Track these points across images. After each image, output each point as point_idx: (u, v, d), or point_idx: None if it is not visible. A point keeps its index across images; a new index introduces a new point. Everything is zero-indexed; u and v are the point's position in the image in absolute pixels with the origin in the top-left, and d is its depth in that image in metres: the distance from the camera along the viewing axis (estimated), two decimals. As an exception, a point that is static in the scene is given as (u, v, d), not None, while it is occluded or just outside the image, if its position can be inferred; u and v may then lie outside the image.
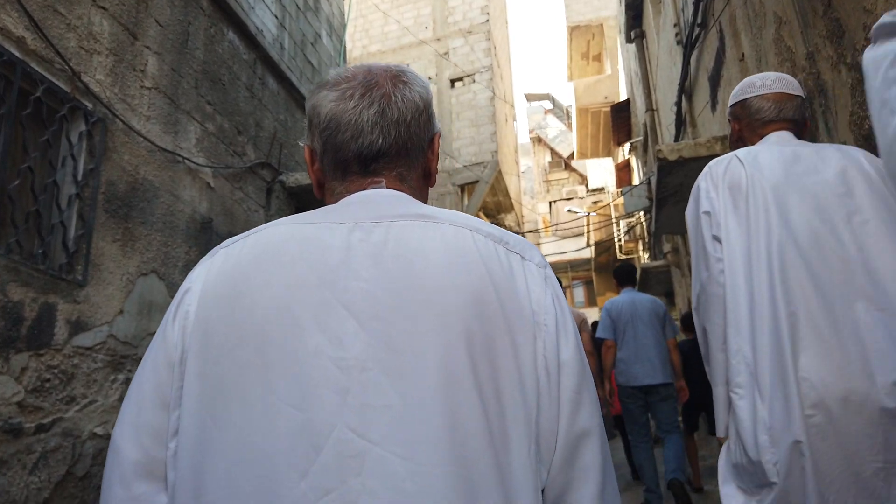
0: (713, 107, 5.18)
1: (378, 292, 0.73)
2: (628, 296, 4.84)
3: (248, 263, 0.78)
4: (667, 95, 8.22)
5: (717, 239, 1.59)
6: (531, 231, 21.73)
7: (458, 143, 15.79)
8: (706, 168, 1.70)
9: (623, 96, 16.97)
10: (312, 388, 0.70)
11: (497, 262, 0.78)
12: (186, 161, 4.54)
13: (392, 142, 0.86)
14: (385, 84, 0.87)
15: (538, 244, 27.48)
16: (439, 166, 15.79)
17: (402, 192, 0.87)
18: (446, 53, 16.48)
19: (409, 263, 0.75)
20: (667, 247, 9.03)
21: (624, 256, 18.13)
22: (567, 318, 0.80)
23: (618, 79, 19.73)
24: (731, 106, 1.87)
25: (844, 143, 2.64)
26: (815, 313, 1.41)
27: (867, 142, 2.40)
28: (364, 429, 0.68)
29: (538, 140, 31.32)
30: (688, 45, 5.70)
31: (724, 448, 1.61)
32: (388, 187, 0.87)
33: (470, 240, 0.78)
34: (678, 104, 6.47)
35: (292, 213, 6.13)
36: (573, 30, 21.77)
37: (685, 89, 6.35)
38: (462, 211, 15.64)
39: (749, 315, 1.50)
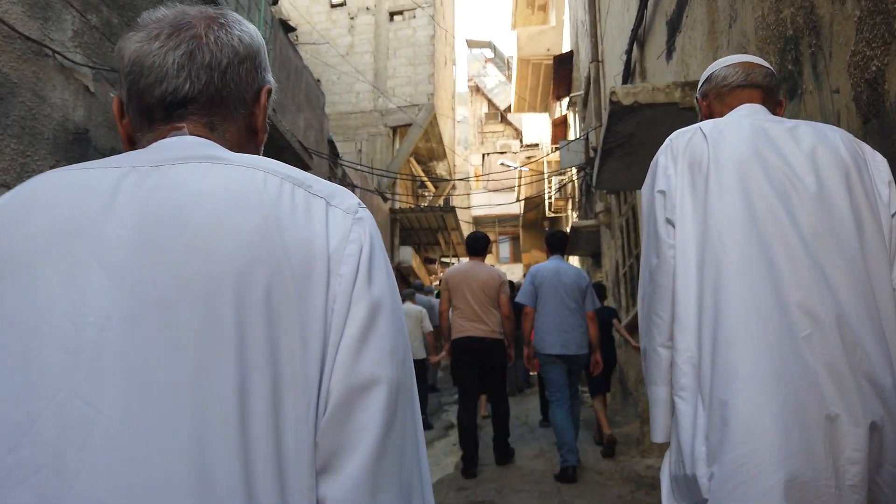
0: (669, 54, 4.78)
1: (138, 242, 0.66)
2: (554, 264, 4.82)
3: (3, 215, 0.70)
4: (615, 46, 7.82)
5: (670, 222, 1.45)
6: (461, 179, 21.26)
7: (393, 83, 15.00)
8: (667, 141, 1.54)
9: (566, 49, 16.53)
10: (38, 349, 0.62)
11: (290, 205, 0.69)
12: (58, 56, 3.75)
13: (202, 87, 0.78)
14: (198, 25, 0.80)
15: (468, 195, 27.16)
16: (372, 104, 14.99)
17: (213, 141, 0.78)
18: (387, -17, 15.47)
19: (178, 208, 0.67)
20: (599, 206, 8.78)
21: (553, 214, 18.00)
22: (377, 268, 0.71)
23: (562, 31, 19.22)
24: (701, 84, 1.73)
25: (837, 90, 2.27)
26: (756, 313, 1.30)
27: (870, 87, 2.03)
28: (94, 396, 0.60)
29: (476, 89, 30.64)
30: (646, -13, 5.25)
31: (665, 457, 1.50)
32: (192, 134, 0.78)
33: (260, 182, 0.70)
34: (629, 52, 6.05)
35: None
36: (521, -25, 20.99)
37: (638, 36, 5.93)
38: (393, 155, 15.02)
39: (697, 311, 1.38)
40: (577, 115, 13.82)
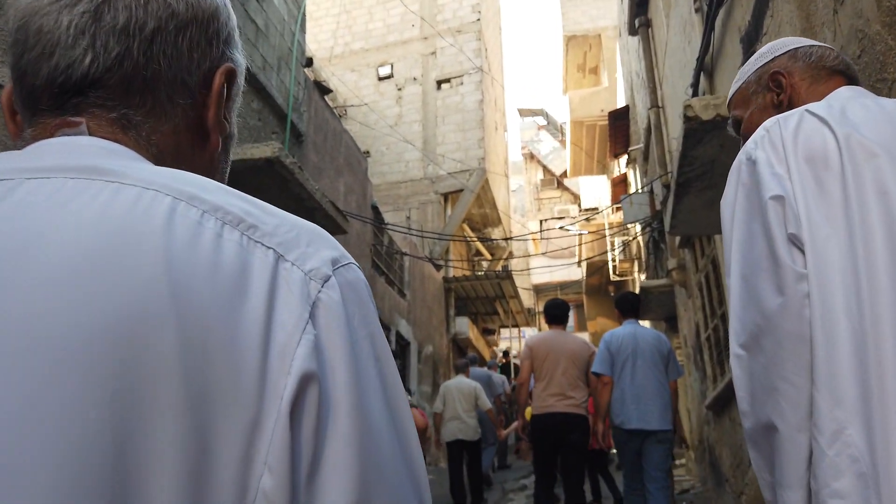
0: (748, 73, 4.03)
1: None
2: (630, 328, 4.50)
3: None
4: (676, 87, 7.12)
5: (795, 242, 1.02)
6: (517, 238, 20.49)
7: (443, 149, 14.66)
8: (760, 130, 1.14)
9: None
10: None
11: (206, 262, 0.42)
12: None
13: (111, 63, 0.52)
14: None
15: (527, 262, 26.38)
16: (422, 172, 14.64)
17: (123, 146, 0.52)
18: (433, 53, 15.41)
19: (18, 253, 0.41)
20: (671, 262, 7.88)
21: (618, 278, 16.96)
22: (359, 388, 0.43)
23: (615, 91, 18.77)
24: (765, 64, 1.32)
25: None
26: None
27: None
28: None
29: (530, 156, 30.34)
30: (712, 6, 4.58)
31: None
32: (94, 134, 0.52)
33: (162, 216, 0.43)
34: (695, 84, 5.33)
35: None
36: (570, 40, 20.81)
37: (704, 65, 5.22)
38: (444, 223, 14.54)
39: (859, 373, 0.94)
40: (637, 171, 13.06)
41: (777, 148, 1.09)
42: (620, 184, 15.92)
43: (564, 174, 29.29)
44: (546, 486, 4.74)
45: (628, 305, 4.73)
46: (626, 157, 14.96)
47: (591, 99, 20.00)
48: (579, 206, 26.89)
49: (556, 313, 4.78)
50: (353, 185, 8.25)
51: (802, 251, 1.02)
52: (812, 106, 1.12)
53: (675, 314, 9.10)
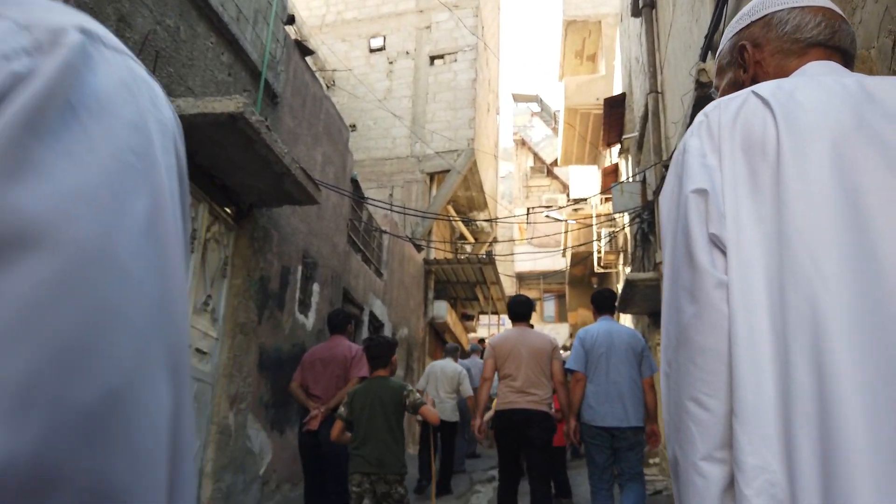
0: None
1: None
2: (605, 325, 4.53)
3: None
4: (678, 71, 6.74)
5: (717, 243, 0.90)
6: (503, 220, 20.12)
7: (433, 127, 14.18)
8: (699, 115, 1.01)
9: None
10: None
11: None
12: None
13: None
14: None
15: (512, 252, 26.01)
16: (409, 150, 14.16)
17: None
18: (428, 27, 14.87)
19: None
20: (660, 255, 7.54)
21: (602, 269, 16.67)
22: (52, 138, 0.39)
23: (612, 80, 18.34)
24: (741, 31, 1.14)
25: None
26: None
27: None
28: None
29: (521, 143, 29.90)
30: (727, -24, 4.17)
31: None
32: None
33: None
34: (702, 59, 4.94)
35: None
36: (569, 24, 20.33)
37: (713, 44, 4.82)
38: (429, 204, 14.13)
39: (780, 396, 0.82)
40: (629, 162, 12.70)
41: (713, 135, 0.96)
42: (611, 174, 15.57)
43: (555, 163, 28.90)
44: (510, 485, 4.63)
45: (605, 302, 4.71)
46: (619, 146, 14.61)
47: (587, 86, 19.56)
48: (568, 195, 26.56)
49: (519, 311, 4.75)
50: (332, 156, 7.80)
51: (725, 253, 0.89)
52: (760, 86, 0.98)
53: (660, 309, 8.78)
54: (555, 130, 29.13)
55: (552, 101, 32.08)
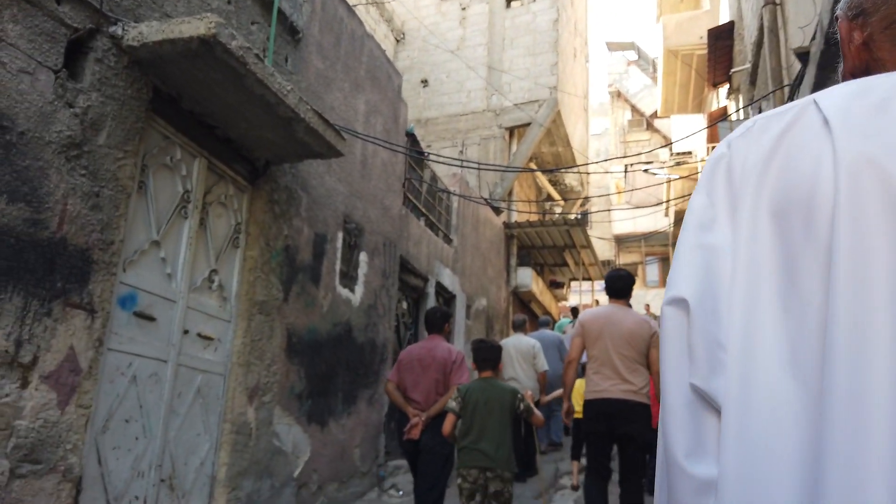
0: None
1: None
2: None
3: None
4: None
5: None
6: (600, 196, 18.53)
7: (510, 77, 12.87)
8: (721, 144, 0.73)
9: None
10: None
11: None
12: None
13: None
14: None
15: (608, 209, 24.28)
16: (485, 103, 12.90)
17: None
18: (503, -34, 13.45)
19: None
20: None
21: (710, 228, 14.84)
22: None
23: (717, 15, 16.18)
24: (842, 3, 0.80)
25: None
26: None
27: None
28: None
29: (617, 95, 27.73)
30: None
31: None
32: None
33: None
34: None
35: (135, 94, 3.48)
36: (667, -46, 18.14)
37: None
38: (508, 161, 12.89)
39: None
40: (740, 101, 10.87)
41: (732, 184, 0.66)
42: (719, 119, 13.66)
43: (655, 114, 26.61)
44: (599, 485, 4.09)
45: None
46: (726, 86, 12.71)
47: (688, 24, 17.43)
48: (670, 150, 24.37)
49: (618, 286, 4.27)
50: (379, 105, 6.78)
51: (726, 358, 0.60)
52: (832, 90, 0.63)
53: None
54: (654, 79, 26.76)
55: (650, 48, 29.45)
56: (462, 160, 9.70)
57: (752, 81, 9.15)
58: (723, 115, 13.63)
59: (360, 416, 6.10)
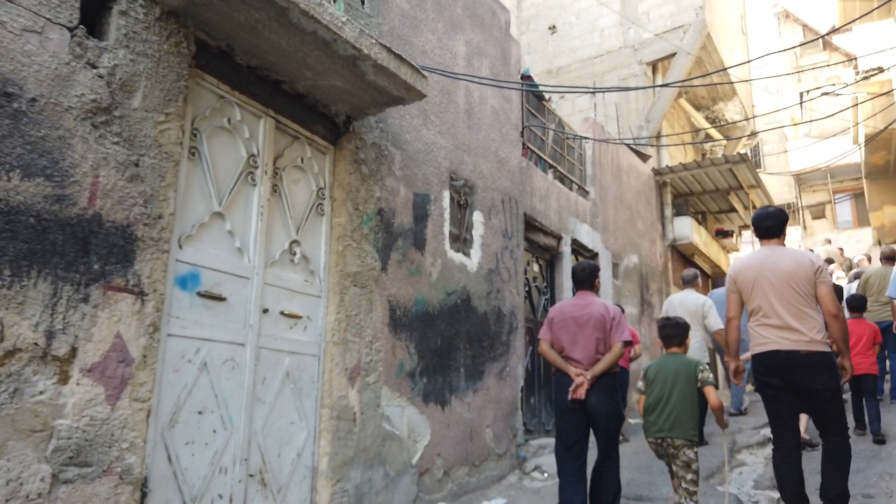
0: None
1: None
2: None
3: None
4: None
5: None
6: (770, 129, 16.27)
7: (647, 5, 11.44)
8: None
9: None
10: None
11: None
12: None
13: None
14: None
15: (784, 151, 21.47)
16: (621, 40, 11.58)
17: None
18: None
19: None
20: None
21: (915, 149, 12.31)
22: None
23: None
24: None
25: None
26: None
27: None
28: None
29: (785, 15, 24.31)
30: None
31: None
32: None
33: None
34: None
35: (172, 49, 3.09)
36: None
37: None
38: (654, 101, 11.48)
39: None
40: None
41: None
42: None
43: (833, 30, 22.97)
44: (788, 456, 3.54)
45: None
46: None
47: None
48: (855, 68, 20.88)
49: (766, 225, 3.80)
50: (484, 46, 6.03)
51: None
52: None
53: None
54: (829, -11, 23.02)
55: (821, -46, 25.41)
56: (594, 106, 8.67)
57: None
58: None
59: (490, 392, 5.48)
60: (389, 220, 4.57)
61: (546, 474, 5.65)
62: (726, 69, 8.13)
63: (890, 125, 12.62)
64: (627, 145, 9.71)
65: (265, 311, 3.64)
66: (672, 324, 4.28)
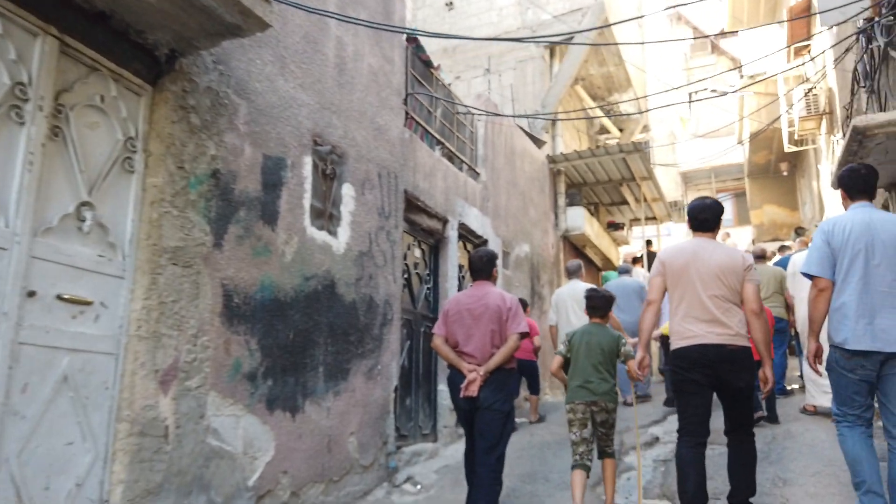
0: None
1: None
2: (863, 213, 3.38)
3: None
4: None
5: None
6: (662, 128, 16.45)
7: (547, -15, 11.00)
8: None
9: None
10: None
11: None
12: None
13: None
14: None
15: (672, 144, 22.06)
16: (519, 20, 11.03)
17: None
18: None
19: None
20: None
21: (794, 147, 12.68)
22: None
23: None
24: None
25: None
26: None
27: None
28: None
29: (677, 18, 25.02)
30: None
31: None
32: None
33: None
34: None
35: None
36: None
37: None
38: (551, 85, 11.12)
39: None
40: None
41: None
42: (804, 10, 11.40)
43: (721, 35, 23.88)
44: (695, 451, 3.49)
45: (860, 181, 3.49)
46: (812, -31, 10.46)
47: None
48: (740, 72, 21.78)
49: (703, 217, 3.75)
50: (361, -6, 5.23)
51: None
52: None
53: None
54: (717, -4, 23.89)
55: (711, -38, 26.41)
56: (489, 90, 8.08)
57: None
58: (807, 6, 11.36)
59: (356, 394, 4.72)
60: (228, 186, 3.69)
61: (419, 486, 4.97)
62: (619, 45, 7.74)
63: (773, 123, 12.94)
64: (522, 129, 9.21)
65: (31, 293, 2.69)
66: (599, 295, 4.39)
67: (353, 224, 4.88)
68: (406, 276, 5.92)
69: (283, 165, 4.16)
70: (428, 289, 6.38)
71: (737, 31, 20.17)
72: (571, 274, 6.94)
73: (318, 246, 4.46)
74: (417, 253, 6.26)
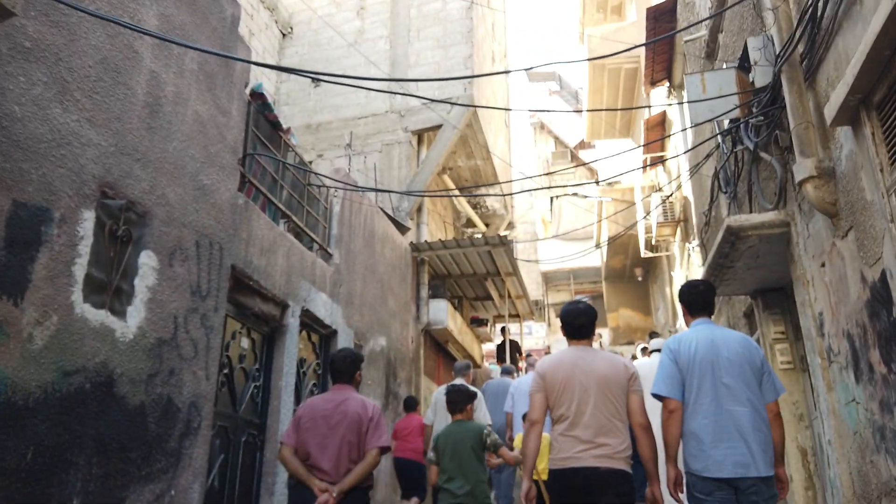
0: None
1: None
2: (706, 330, 3.31)
3: None
4: None
5: None
6: (525, 228, 16.60)
7: (417, 72, 10.78)
8: None
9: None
10: None
11: None
12: None
13: None
14: None
15: (534, 249, 22.55)
16: (388, 104, 10.16)
17: None
18: (407, -52, 11.53)
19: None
20: (805, 168, 3.94)
21: (650, 254, 13.03)
22: None
23: (643, 28, 14.86)
24: None
25: None
26: None
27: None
28: None
29: (540, 127, 26.38)
30: None
31: None
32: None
33: None
34: None
35: None
36: (588, -33, 16.90)
37: None
38: (418, 171, 10.71)
39: None
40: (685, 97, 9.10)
41: None
42: (657, 126, 11.99)
43: (581, 146, 25.35)
44: None
45: (699, 298, 3.44)
46: (666, 85, 11.08)
47: (614, 37, 16.09)
48: (597, 180, 23.04)
49: (579, 323, 3.42)
50: (193, 33, 4.42)
51: None
52: None
53: (782, 280, 5.19)
54: (578, 111, 25.59)
55: (572, 79, 28.45)
56: (368, 182, 7.41)
57: (710, 55, 7.35)
58: (661, 121, 11.98)
59: (132, 534, 3.47)
60: (-59, 237, 2.56)
61: None
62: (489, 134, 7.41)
63: (630, 228, 13.32)
64: (385, 212, 8.55)
65: None
66: (455, 390, 4.40)
67: (152, 303, 3.80)
68: (227, 371, 4.80)
69: (45, 218, 3.08)
70: (256, 387, 5.26)
71: (593, 144, 21.38)
72: (458, 373, 6.70)
73: (92, 329, 3.33)
74: (245, 343, 5.17)
